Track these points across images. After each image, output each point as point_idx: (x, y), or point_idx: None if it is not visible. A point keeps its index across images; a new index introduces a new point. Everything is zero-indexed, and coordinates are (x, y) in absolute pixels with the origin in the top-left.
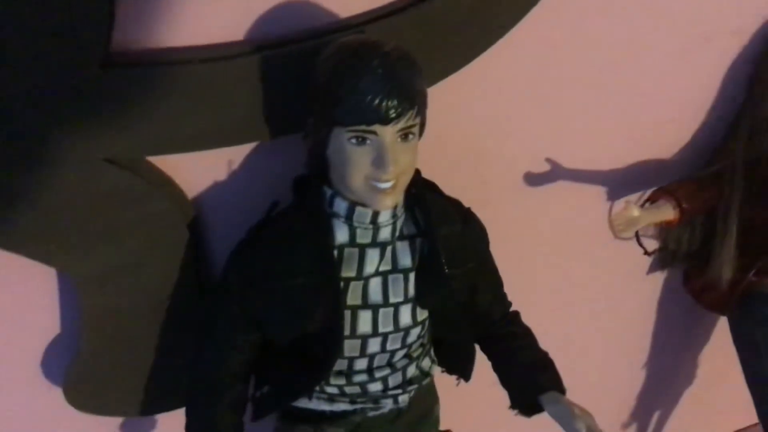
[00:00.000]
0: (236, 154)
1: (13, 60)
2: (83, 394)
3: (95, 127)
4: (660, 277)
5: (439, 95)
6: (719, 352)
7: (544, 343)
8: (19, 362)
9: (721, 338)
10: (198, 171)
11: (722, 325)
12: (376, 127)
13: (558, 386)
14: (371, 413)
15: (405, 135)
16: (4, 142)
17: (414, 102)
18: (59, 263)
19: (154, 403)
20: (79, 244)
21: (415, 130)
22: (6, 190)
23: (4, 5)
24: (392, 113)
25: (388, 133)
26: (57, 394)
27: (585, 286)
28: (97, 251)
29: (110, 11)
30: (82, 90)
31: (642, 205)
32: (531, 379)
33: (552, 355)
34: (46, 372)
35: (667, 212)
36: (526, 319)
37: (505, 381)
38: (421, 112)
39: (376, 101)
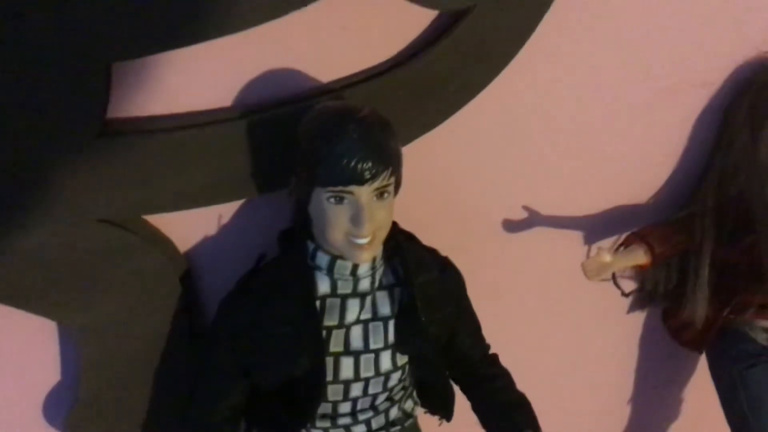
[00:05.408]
0: (226, 210)
1: (15, 129)
2: None
3: (90, 191)
4: (640, 315)
5: (418, 147)
6: (702, 388)
7: (527, 383)
8: (21, 409)
9: (704, 374)
10: (190, 226)
11: (704, 360)
12: (353, 188)
13: (533, 426)
14: None
15: (381, 194)
16: (4, 204)
17: (388, 163)
18: (58, 316)
19: None
20: (76, 298)
21: (390, 188)
22: (6, 249)
23: (11, 78)
24: (367, 174)
25: (364, 192)
26: None
27: (565, 327)
28: (95, 304)
29: (107, 87)
30: (78, 157)
31: (616, 250)
32: (508, 419)
33: (535, 394)
34: (47, 418)
35: (639, 257)
36: (508, 361)
37: (484, 421)
38: (396, 172)
39: (352, 163)
